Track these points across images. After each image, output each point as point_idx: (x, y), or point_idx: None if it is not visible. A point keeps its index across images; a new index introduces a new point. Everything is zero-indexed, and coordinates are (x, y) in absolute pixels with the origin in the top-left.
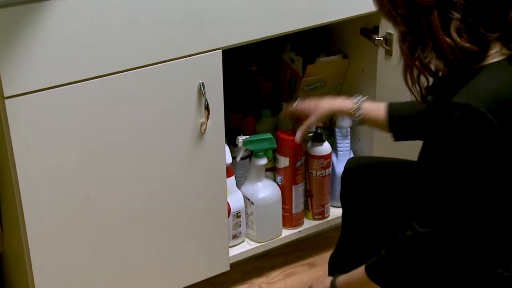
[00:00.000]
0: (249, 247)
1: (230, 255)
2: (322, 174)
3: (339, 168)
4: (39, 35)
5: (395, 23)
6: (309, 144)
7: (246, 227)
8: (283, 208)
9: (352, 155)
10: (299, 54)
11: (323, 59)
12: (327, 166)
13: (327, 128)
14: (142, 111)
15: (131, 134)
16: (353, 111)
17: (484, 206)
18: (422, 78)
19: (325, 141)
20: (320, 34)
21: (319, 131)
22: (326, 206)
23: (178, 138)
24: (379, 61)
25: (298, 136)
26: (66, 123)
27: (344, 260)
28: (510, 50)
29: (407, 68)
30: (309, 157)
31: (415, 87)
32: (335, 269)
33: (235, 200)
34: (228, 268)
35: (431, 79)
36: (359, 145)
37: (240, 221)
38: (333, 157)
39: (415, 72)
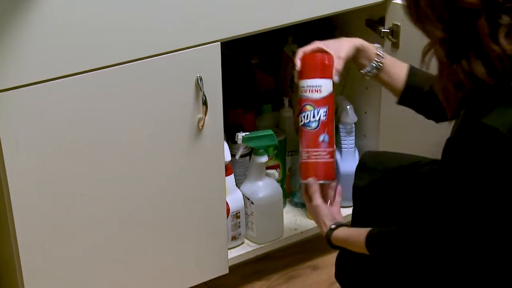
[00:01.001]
0: (249, 248)
1: (229, 257)
2: None
3: (344, 166)
4: (28, 27)
5: (432, 28)
6: None
7: (246, 228)
8: (328, 153)
9: (357, 153)
10: (301, 46)
11: None
12: None
13: None
14: (137, 106)
15: (126, 131)
16: (377, 51)
17: (496, 222)
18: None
19: None
20: (324, 26)
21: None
22: None
23: (174, 134)
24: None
25: (336, 77)
26: (58, 119)
27: (353, 258)
28: None
29: (444, 78)
30: None
31: (449, 99)
32: (343, 267)
33: (234, 199)
34: (227, 271)
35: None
36: (364, 142)
37: (239, 222)
38: (337, 155)
39: (452, 83)
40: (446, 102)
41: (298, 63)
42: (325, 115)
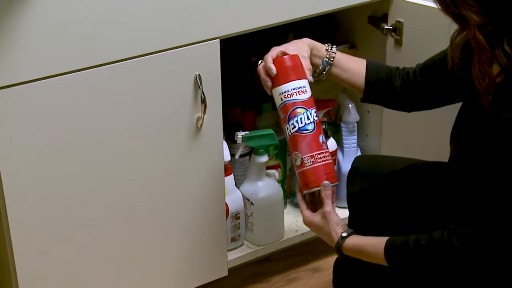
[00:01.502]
0: (249, 250)
1: (229, 259)
2: None
3: (345, 166)
4: (23, 25)
5: (469, 12)
6: None
7: (246, 229)
8: (329, 153)
9: (359, 152)
10: None
11: None
12: (332, 163)
13: (332, 124)
14: (134, 105)
15: (123, 130)
16: (327, 47)
17: None
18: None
19: (330, 137)
20: (325, 23)
21: (323, 126)
22: None
23: (172, 134)
24: (388, 51)
25: (311, 76)
26: (53, 118)
27: (351, 264)
28: None
29: (484, 64)
30: None
31: (489, 87)
32: (340, 274)
33: (234, 200)
34: (226, 273)
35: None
36: (367, 142)
37: (239, 223)
38: (339, 154)
39: (495, 69)
40: (486, 89)
41: (273, 67)
42: (316, 115)
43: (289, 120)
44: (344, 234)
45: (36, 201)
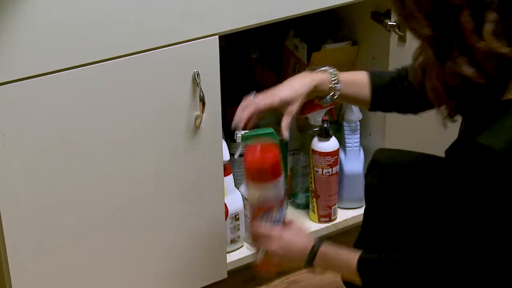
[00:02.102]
0: (249, 252)
1: (228, 261)
2: (329, 173)
3: (348, 165)
4: (16, 21)
5: (419, 26)
6: (315, 139)
7: (245, 230)
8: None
9: (362, 152)
10: (303, 40)
11: (330, 46)
12: (334, 163)
13: (334, 122)
14: (130, 103)
15: (119, 129)
16: (332, 83)
17: (493, 244)
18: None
19: (332, 136)
20: (327, 19)
21: (325, 125)
22: (333, 207)
23: (170, 133)
24: (392, 48)
25: (286, 133)
26: (47, 116)
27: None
28: None
29: (433, 79)
30: (314, 154)
31: (440, 100)
32: None
33: (233, 201)
34: (225, 276)
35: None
36: (370, 141)
37: (238, 224)
38: (341, 154)
39: (441, 83)
40: (437, 103)
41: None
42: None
43: (263, 214)
44: (317, 244)
45: (29, 201)
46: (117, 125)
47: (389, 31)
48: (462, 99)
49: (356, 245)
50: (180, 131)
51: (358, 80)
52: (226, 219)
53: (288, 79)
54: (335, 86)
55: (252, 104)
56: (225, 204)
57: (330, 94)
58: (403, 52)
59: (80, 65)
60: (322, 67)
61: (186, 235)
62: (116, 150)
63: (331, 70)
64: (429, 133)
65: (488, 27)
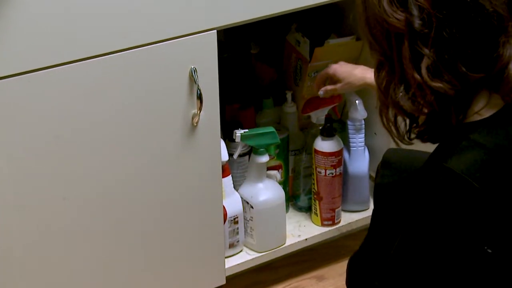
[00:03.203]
0: (248, 257)
1: (226, 266)
2: (332, 174)
3: (352, 166)
4: (7, 14)
5: (370, 48)
6: (317, 139)
7: (245, 234)
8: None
9: (367, 152)
10: (305, 35)
11: (333, 41)
12: (338, 164)
13: (338, 121)
14: (124, 101)
15: (112, 128)
16: None
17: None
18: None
19: (335, 136)
20: (330, 12)
21: (328, 124)
22: (336, 210)
23: (166, 132)
24: None
25: (322, 91)
26: (38, 115)
27: (367, 263)
28: (502, 100)
29: (381, 104)
30: (317, 154)
31: (390, 127)
32: (355, 275)
33: (232, 203)
34: (223, 282)
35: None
36: (375, 140)
37: (237, 228)
38: (345, 154)
39: (390, 110)
40: (389, 129)
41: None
42: None
43: None
44: None
45: (18, 204)
46: (111, 124)
47: None
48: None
49: (362, 249)
50: (176, 130)
51: None
52: (224, 223)
53: (362, 67)
54: None
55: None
56: (224, 207)
57: None
58: None
59: (72, 61)
60: None
61: (183, 239)
62: (109, 151)
63: None
64: None
65: (425, 61)
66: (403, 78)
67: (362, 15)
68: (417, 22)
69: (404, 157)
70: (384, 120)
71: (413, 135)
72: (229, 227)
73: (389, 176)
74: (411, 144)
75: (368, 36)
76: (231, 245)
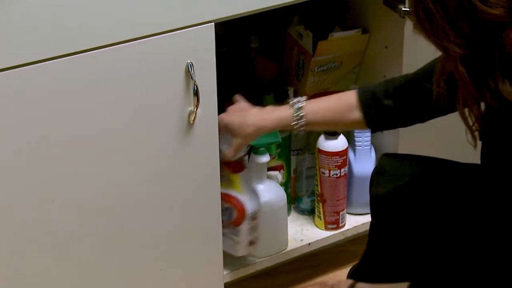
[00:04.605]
0: (248, 263)
1: (224, 273)
2: (337, 175)
3: (358, 166)
4: None
5: (451, 44)
6: (321, 138)
7: None
8: None
9: (373, 151)
10: (308, 28)
11: (337, 34)
12: (343, 164)
13: None
14: (117, 98)
15: (104, 126)
16: (295, 121)
17: None
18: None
19: (340, 134)
20: (335, 4)
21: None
22: (341, 213)
23: (161, 130)
24: (406, 36)
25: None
26: (25, 113)
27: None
28: None
29: (469, 99)
30: (320, 153)
31: (476, 123)
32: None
33: (251, 199)
34: None
35: None
36: (382, 140)
37: (256, 225)
38: (350, 154)
39: (476, 104)
40: (472, 126)
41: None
42: None
43: None
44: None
45: (6, 206)
46: (102, 122)
47: (403, 17)
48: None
49: (365, 258)
50: (171, 128)
51: (335, 103)
52: (243, 221)
53: (256, 109)
54: (299, 123)
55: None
56: (242, 203)
57: (294, 130)
58: (418, 40)
59: (60, 56)
60: (292, 100)
61: (178, 244)
62: (101, 151)
63: (298, 104)
64: (447, 130)
65: None
66: (509, 69)
67: (430, 9)
68: None
69: (400, 163)
70: (470, 115)
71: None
72: (247, 224)
73: (386, 185)
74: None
75: (447, 32)
76: (251, 243)
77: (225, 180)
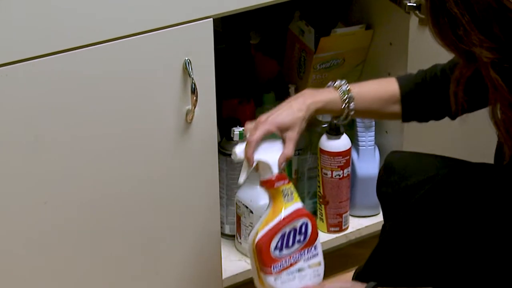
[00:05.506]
0: (247, 266)
1: (223, 277)
2: (340, 176)
3: (361, 167)
4: None
5: (479, 49)
6: (323, 137)
7: (243, 242)
8: None
9: (377, 151)
10: (310, 24)
11: (340, 31)
12: (346, 165)
13: None
14: (111, 97)
15: (99, 126)
16: (344, 103)
17: None
18: None
19: (343, 134)
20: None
21: (335, 121)
22: (344, 215)
23: (158, 130)
24: (411, 32)
25: (280, 165)
26: (16, 111)
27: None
28: None
29: (504, 107)
30: (322, 154)
31: (510, 131)
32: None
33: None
34: None
35: None
36: (386, 139)
37: None
38: (353, 154)
39: None
40: (508, 135)
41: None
42: None
43: None
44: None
45: None
46: (97, 122)
47: (408, 13)
48: None
49: (371, 260)
50: (169, 127)
51: (379, 92)
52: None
53: (288, 100)
54: (349, 106)
55: (250, 140)
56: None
57: (344, 115)
58: (423, 36)
59: (54, 52)
60: (332, 83)
61: (175, 248)
62: (95, 151)
63: (343, 86)
64: (453, 130)
65: None
66: None
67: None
68: None
69: (409, 161)
70: (503, 125)
71: None
72: None
73: (396, 183)
74: None
75: (476, 35)
76: None
77: (282, 196)
